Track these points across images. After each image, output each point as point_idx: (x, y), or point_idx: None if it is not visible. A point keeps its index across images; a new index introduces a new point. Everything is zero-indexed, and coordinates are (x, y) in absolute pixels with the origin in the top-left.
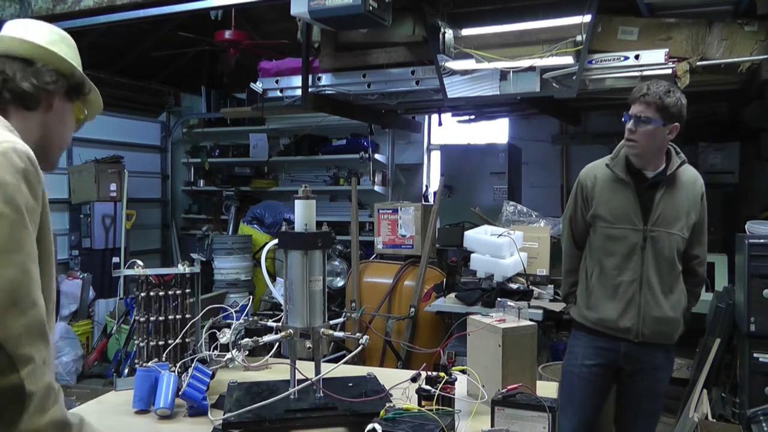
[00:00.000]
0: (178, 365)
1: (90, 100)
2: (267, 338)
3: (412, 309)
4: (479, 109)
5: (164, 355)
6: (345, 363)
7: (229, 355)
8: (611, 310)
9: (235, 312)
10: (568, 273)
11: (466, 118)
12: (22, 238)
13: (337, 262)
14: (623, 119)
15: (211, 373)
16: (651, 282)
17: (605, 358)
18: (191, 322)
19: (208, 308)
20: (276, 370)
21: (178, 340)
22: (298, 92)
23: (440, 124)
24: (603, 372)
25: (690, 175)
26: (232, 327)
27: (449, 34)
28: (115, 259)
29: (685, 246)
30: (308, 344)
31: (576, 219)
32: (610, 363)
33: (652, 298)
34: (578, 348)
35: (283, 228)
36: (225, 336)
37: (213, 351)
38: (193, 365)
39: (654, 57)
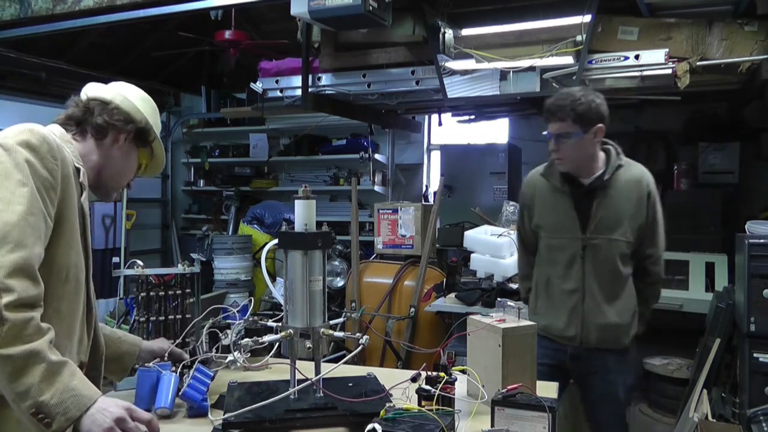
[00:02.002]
0: (180, 366)
1: (154, 149)
2: (267, 338)
3: (412, 309)
4: (479, 109)
5: (166, 354)
6: (345, 363)
7: (230, 357)
8: (556, 319)
9: (237, 312)
10: (523, 278)
11: (466, 118)
12: (25, 194)
13: (337, 262)
14: (546, 135)
15: (212, 374)
16: (593, 290)
17: (553, 358)
18: (193, 323)
19: (210, 308)
20: (276, 370)
21: (179, 341)
22: (298, 92)
23: (440, 124)
24: (552, 371)
25: (632, 175)
26: (236, 328)
27: (449, 34)
28: (115, 259)
29: (632, 249)
30: (308, 344)
31: (524, 227)
32: (559, 363)
33: (594, 307)
34: None
35: (283, 228)
36: (227, 337)
37: (215, 352)
38: (194, 366)
39: (654, 57)
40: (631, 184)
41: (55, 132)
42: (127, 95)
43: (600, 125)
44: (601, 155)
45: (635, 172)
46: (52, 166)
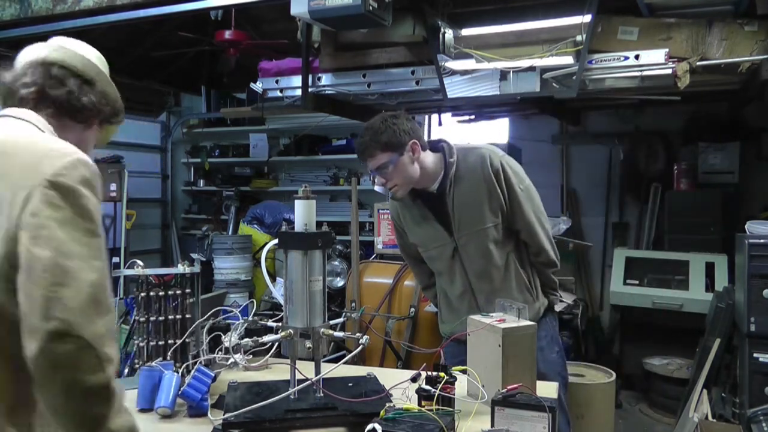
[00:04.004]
0: (182, 367)
1: (112, 128)
2: (267, 338)
3: (412, 309)
4: (479, 109)
5: (169, 354)
6: (345, 363)
7: (232, 359)
8: (461, 325)
9: (239, 312)
10: (423, 289)
11: (466, 118)
12: (99, 245)
13: (337, 262)
14: (371, 174)
15: (213, 375)
16: (480, 287)
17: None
18: (196, 324)
19: (214, 310)
20: (276, 370)
21: (180, 341)
22: (298, 92)
23: (440, 124)
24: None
25: (472, 162)
26: (237, 329)
27: (449, 34)
28: (115, 259)
29: (503, 230)
30: (308, 344)
31: (405, 242)
32: None
33: (487, 304)
34: (447, 348)
35: (283, 228)
36: (230, 339)
37: (218, 353)
38: (195, 367)
39: (654, 57)
40: (475, 170)
41: (39, 126)
42: (101, 67)
43: (412, 141)
44: (435, 159)
45: (476, 157)
46: (99, 195)
